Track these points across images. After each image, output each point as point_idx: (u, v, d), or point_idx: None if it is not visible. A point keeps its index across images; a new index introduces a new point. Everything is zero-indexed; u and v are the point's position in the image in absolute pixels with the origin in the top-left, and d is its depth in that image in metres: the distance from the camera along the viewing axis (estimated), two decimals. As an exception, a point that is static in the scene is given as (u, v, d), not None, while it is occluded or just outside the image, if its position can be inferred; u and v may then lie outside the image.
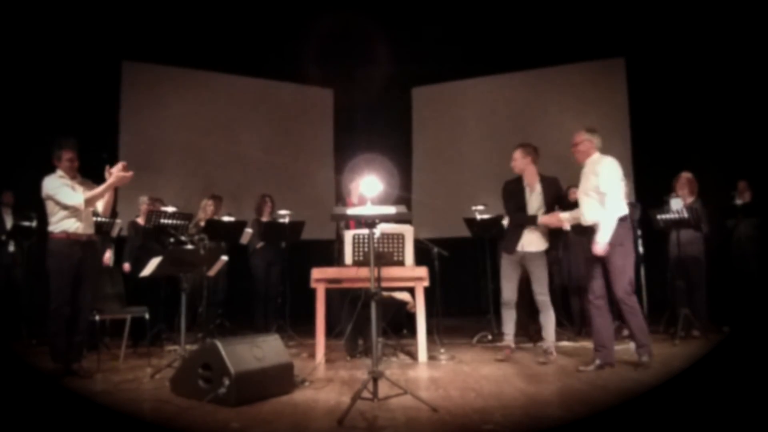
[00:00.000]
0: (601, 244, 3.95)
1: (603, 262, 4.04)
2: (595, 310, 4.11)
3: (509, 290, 4.72)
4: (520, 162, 4.74)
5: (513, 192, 4.77)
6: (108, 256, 5.94)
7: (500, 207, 6.37)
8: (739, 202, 6.08)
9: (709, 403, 3.04)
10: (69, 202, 4.08)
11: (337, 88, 9.34)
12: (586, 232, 4.25)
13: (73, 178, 4.24)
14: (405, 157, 9.13)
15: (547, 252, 4.77)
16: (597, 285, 4.09)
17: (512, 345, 4.78)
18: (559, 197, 4.81)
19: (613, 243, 3.96)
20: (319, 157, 9.22)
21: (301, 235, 6.32)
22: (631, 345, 4.49)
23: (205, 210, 6.29)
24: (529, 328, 6.01)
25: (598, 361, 4.04)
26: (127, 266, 5.88)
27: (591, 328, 4.21)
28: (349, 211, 3.68)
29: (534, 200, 4.71)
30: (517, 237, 4.68)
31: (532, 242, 4.67)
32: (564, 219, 4.50)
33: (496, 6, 8.03)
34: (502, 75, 8.77)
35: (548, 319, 4.66)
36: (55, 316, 4.04)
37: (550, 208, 4.69)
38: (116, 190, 4.27)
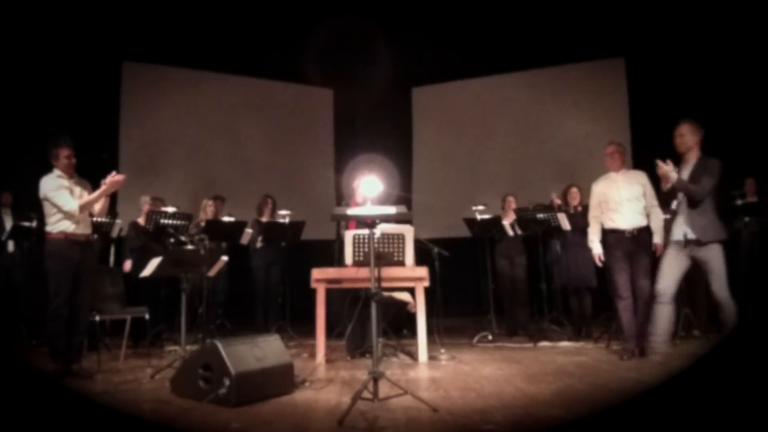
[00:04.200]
0: (661, 244, 4.44)
1: (632, 262, 4.52)
2: (625, 305, 4.53)
3: (667, 280, 4.13)
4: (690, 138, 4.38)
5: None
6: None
7: (498, 207, 6.38)
8: (739, 202, 6.07)
9: (710, 402, 3.04)
10: (65, 208, 4.07)
11: (337, 88, 9.33)
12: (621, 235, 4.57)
13: (70, 177, 4.22)
14: (405, 157, 9.13)
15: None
16: (628, 283, 4.55)
17: (666, 350, 4.22)
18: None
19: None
20: (319, 157, 9.22)
21: (301, 235, 6.32)
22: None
23: (206, 211, 6.28)
24: (528, 327, 6.02)
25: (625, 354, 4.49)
26: (128, 265, 5.86)
27: (620, 323, 4.59)
28: (349, 211, 3.67)
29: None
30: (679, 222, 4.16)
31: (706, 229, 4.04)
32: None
33: (497, 6, 8.02)
34: (502, 75, 8.77)
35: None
36: (55, 316, 4.03)
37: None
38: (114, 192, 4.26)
